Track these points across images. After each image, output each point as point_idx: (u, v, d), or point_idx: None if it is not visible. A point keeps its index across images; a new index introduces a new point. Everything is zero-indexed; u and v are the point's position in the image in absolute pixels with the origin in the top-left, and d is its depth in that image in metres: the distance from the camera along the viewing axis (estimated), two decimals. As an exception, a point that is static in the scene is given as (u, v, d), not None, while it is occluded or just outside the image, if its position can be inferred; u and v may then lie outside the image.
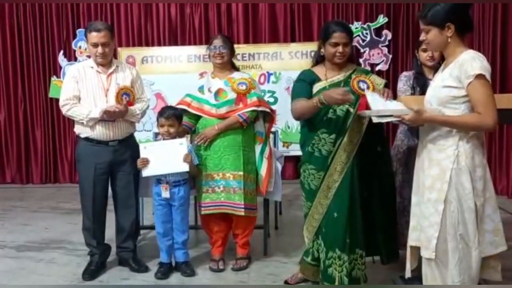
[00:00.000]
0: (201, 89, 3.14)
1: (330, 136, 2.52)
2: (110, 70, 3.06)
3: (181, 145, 2.92)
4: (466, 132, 2.00)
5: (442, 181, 2.01)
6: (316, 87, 2.57)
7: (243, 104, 3.07)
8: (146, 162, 2.92)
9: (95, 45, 2.97)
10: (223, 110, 3.05)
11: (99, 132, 3.00)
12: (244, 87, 3.08)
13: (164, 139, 3.01)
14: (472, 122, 1.97)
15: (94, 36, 2.95)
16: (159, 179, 3.00)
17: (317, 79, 2.60)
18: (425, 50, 2.88)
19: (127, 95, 2.99)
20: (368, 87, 2.46)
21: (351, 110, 2.46)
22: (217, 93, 3.07)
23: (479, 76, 1.93)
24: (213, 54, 3.10)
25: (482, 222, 2.01)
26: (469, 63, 1.96)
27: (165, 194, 2.97)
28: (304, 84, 2.61)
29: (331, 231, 2.53)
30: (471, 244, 1.99)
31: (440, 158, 2.03)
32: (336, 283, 2.49)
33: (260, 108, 3.09)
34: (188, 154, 2.90)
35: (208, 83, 3.13)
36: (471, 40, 5.07)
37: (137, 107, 3.10)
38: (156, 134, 4.65)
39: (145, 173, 2.96)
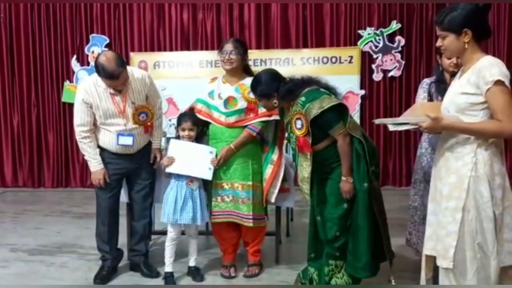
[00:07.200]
0: (211, 94, 3.06)
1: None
2: (124, 90, 2.92)
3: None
4: (485, 140, 1.97)
5: (460, 190, 1.97)
6: None
7: (254, 113, 2.98)
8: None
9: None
10: (232, 119, 2.97)
11: (119, 149, 3.00)
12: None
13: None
14: (491, 129, 1.94)
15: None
16: None
17: None
18: (449, 57, 2.74)
19: (144, 114, 2.97)
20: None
21: (293, 146, 2.71)
22: (227, 101, 2.98)
23: (498, 82, 1.89)
24: (223, 59, 2.99)
25: (501, 231, 1.96)
26: (487, 69, 1.92)
27: None
28: None
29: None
30: (490, 253, 1.95)
31: (458, 166, 2.00)
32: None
33: (271, 118, 2.99)
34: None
35: (218, 89, 3.05)
36: (485, 44, 5.00)
37: (158, 134, 3.18)
38: (168, 140, 4.67)
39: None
